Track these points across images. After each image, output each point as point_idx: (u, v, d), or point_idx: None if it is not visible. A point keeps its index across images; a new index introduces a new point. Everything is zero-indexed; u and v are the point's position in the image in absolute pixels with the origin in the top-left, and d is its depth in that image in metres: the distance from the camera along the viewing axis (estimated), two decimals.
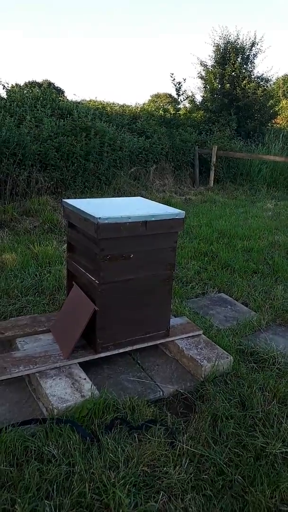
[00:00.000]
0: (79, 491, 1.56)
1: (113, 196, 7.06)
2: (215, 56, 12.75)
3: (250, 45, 12.55)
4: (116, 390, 2.18)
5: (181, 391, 2.26)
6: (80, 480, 1.60)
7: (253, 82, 12.46)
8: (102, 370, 2.37)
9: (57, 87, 18.15)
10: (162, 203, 2.71)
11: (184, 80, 14.65)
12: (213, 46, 12.71)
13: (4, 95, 8.22)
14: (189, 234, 5.33)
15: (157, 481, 1.66)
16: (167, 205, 2.70)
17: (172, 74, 11.15)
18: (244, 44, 12.52)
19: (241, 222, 6.30)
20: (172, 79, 10.82)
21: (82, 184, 7.04)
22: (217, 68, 12.71)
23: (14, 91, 8.61)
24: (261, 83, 12.83)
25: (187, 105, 13.08)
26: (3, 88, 8.40)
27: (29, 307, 3.06)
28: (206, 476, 1.71)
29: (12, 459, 1.69)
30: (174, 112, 11.04)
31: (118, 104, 11.86)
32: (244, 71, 12.58)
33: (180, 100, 11.39)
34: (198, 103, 13.22)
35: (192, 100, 13.13)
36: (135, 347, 2.46)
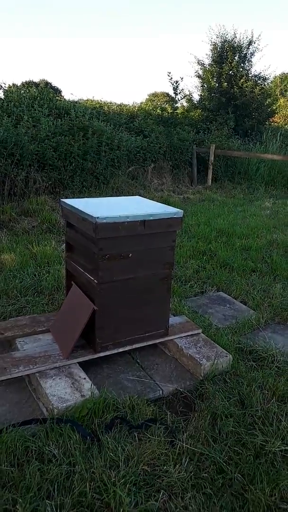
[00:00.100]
0: (79, 491, 1.56)
1: (111, 196, 7.07)
2: (213, 54, 12.75)
3: (247, 43, 12.56)
4: (116, 390, 2.18)
5: (181, 390, 2.26)
6: (81, 480, 1.61)
7: (251, 81, 12.47)
8: (102, 369, 2.38)
9: (54, 86, 18.11)
10: (160, 202, 2.71)
11: (182, 79, 14.62)
12: (210, 44, 12.71)
13: (1, 95, 8.22)
14: (187, 233, 5.33)
15: (157, 480, 1.66)
16: (165, 204, 2.70)
17: (170, 73, 11.11)
18: (241, 43, 12.53)
19: (240, 220, 6.31)
20: (170, 78, 10.82)
21: (80, 183, 7.04)
22: (214, 67, 12.72)
23: (11, 91, 8.60)
24: (259, 81, 12.84)
25: (185, 104, 13.08)
26: (0, 88, 8.39)
27: (29, 307, 3.06)
28: (206, 475, 1.71)
29: (13, 459, 1.69)
30: (171, 111, 11.04)
31: (115, 103, 11.85)
32: (241, 69, 12.59)
33: (178, 99, 11.39)
34: (195, 102, 13.22)
35: (189, 99, 13.13)
36: (134, 346, 2.46)
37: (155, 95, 23.80)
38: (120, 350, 2.42)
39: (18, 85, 12.50)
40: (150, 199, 2.87)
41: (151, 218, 2.29)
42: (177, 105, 11.64)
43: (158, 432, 1.89)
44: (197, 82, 13.70)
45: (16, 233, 4.98)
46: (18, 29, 65.27)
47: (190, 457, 1.79)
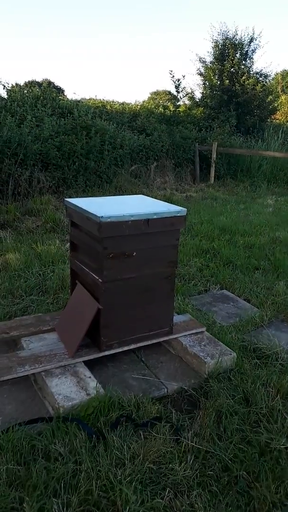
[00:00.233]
0: (86, 489, 1.57)
1: (114, 195, 7.07)
2: (214, 52, 12.74)
3: (248, 40, 12.56)
4: (121, 388, 2.19)
5: (185, 388, 2.27)
6: (87, 478, 1.62)
7: (252, 78, 12.45)
8: (107, 368, 2.39)
9: (57, 86, 18.15)
10: (163, 201, 2.72)
11: (183, 77, 14.65)
12: (212, 42, 12.72)
13: (4, 95, 8.24)
14: (190, 231, 5.33)
15: (163, 478, 1.67)
16: (168, 202, 2.71)
17: (171, 71, 11.17)
18: (243, 40, 12.52)
19: (242, 218, 6.31)
20: (172, 76, 10.82)
21: (84, 183, 7.05)
22: (216, 65, 12.70)
23: (15, 91, 8.62)
24: (260, 78, 12.83)
25: (187, 102, 13.08)
26: (4, 88, 8.42)
27: (33, 307, 3.07)
28: (212, 472, 1.72)
29: (20, 458, 1.71)
30: (173, 109, 11.04)
31: (118, 102, 11.86)
32: (243, 67, 12.57)
33: (180, 97, 11.40)
34: (197, 100, 13.21)
35: (191, 97, 13.13)
36: (139, 344, 2.47)
37: (157, 93, 23.78)
38: (125, 348, 2.43)
39: (21, 84, 12.53)
40: (153, 197, 2.87)
41: (155, 216, 2.30)
42: (179, 103, 11.65)
43: (163, 430, 1.90)
44: (198, 80, 13.75)
45: (21, 233, 5.00)
46: (20, 29, 65.29)
47: (196, 455, 1.80)
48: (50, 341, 2.47)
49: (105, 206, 2.39)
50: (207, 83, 12.94)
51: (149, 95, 24.42)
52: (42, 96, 8.51)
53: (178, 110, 11.34)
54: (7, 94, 8.32)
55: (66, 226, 5.16)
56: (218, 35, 12.60)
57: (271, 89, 13.61)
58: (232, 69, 12.47)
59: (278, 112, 15.18)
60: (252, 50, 12.68)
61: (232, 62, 12.38)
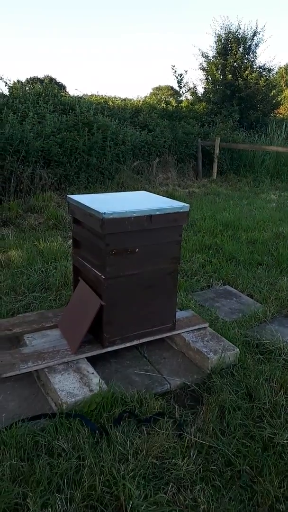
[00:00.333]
0: (89, 484, 1.58)
1: (116, 191, 7.07)
2: (217, 46, 12.66)
3: (251, 34, 12.46)
4: (124, 384, 2.20)
5: (188, 383, 2.27)
6: (90, 473, 1.63)
7: (255, 72, 12.37)
8: (110, 364, 2.39)
9: (59, 82, 18.12)
10: (166, 197, 2.71)
11: (186, 72, 14.57)
12: (215, 36, 12.63)
13: (6, 92, 8.23)
14: (193, 227, 5.32)
15: (166, 473, 1.68)
16: (170, 198, 2.70)
17: (174, 66, 11.11)
18: (246, 34, 12.43)
19: (245, 214, 6.28)
20: (174, 71, 10.80)
21: (86, 179, 7.04)
22: (218, 59, 12.63)
23: (16, 88, 8.61)
24: (263, 73, 12.74)
25: (189, 97, 13.02)
26: (5, 85, 8.40)
27: (36, 303, 3.08)
28: (215, 467, 1.72)
29: (23, 453, 1.72)
30: (176, 104, 10.99)
31: (119, 98, 11.82)
32: (246, 61, 12.49)
33: (182, 92, 11.35)
34: (200, 95, 13.15)
35: (194, 92, 13.07)
36: (141, 341, 2.47)
37: (159, 88, 23.68)
38: (128, 344, 2.43)
39: (23, 81, 12.49)
40: (155, 193, 2.87)
41: (158, 213, 2.29)
42: (181, 98, 11.60)
43: (166, 425, 1.90)
44: (201, 74, 13.67)
45: (23, 230, 5.00)
46: (21, 26, 65.14)
47: (199, 450, 1.80)
48: (53, 338, 2.47)
49: (107, 203, 2.38)
50: (210, 78, 12.87)
51: (151, 91, 24.32)
52: (44, 93, 8.49)
53: (181, 106, 11.29)
54: (9, 91, 8.31)
55: (68, 223, 5.16)
56: (221, 29, 12.52)
57: (274, 84, 13.50)
58: (235, 64, 12.39)
59: (281, 106, 15.08)
60: (255, 44, 12.59)
61: (235, 57, 12.30)
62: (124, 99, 11.74)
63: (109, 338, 2.35)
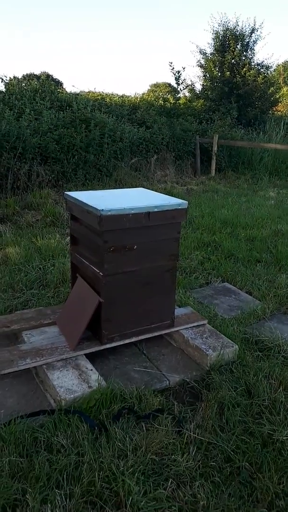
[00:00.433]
0: (88, 480, 1.58)
1: (114, 188, 7.05)
2: (215, 43, 12.62)
3: (249, 31, 12.42)
4: (123, 380, 2.19)
5: (187, 380, 2.27)
6: (90, 469, 1.63)
7: (253, 70, 12.34)
8: (108, 361, 2.39)
9: (56, 79, 18.05)
10: (164, 194, 2.70)
11: (184, 68, 14.52)
12: (212, 33, 12.59)
13: (2, 88, 8.19)
14: (191, 224, 5.32)
15: (165, 469, 1.68)
16: (169, 195, 2.69)
17: (171, 63, 11.00)
18: (244, 31, 12.39)
19: (244, 211, 6.28)
20: (171, 68, 10.70)
21: (83, 176, 7.02)
22: (216, 56, 12.59)
23: (13, 84, 8.57)
24: (261, 70, 12.71)
25: (187, 94, 12.98)
26: (2, 81, 8.36)
27: (34, 300, 3.07)
28: (214, 463, 1.72)
29: (22, 450, 1.71)
30: (174, 101, 10.95)
31: (117, 94, 11.78)
32: (244, 58, 12.46)
33: (180, 89, 11.27)
34: (198, 92, 13.11)
35: (191, 89, 13.03)
36: (140, 337, 2.47)
37: (157, 85, 23.62)
38: (126, 341, 2.42)
39: (19, 78, 12.44)
40: (153, 190, 2.86)
41: (156, 209, 2.28)
42: (179, 95, 11.54)
43: (165, 422, 1.90)
44: (199, 71, 13.66)
45: (20, 227, 4.99)
46: (18, 22, 64.79)
47: (198, 446, 1.80)
48: (51, 335, 2.47)
49: (105, 199, 2.37)
50: (208, 75, 12.83)
51: (149, 88, 24.27)
52: (40, 89, 8.45)
53: (178, 103, 11.25)
54: (5, 87, 8.27)
55: (66, 220, 5.15)
56: (219, 26, 12.48)
57: (272, 81, 13.48)
58: (233, 61, 12.35)
59: (279, 104, 15.07)
60: (253, 41, 12.55)
61: (233, 54, 12.26)
62: (122, 96, 11.70)
63: (108, 335, 2.35)
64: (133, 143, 8.35)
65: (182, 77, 10.95)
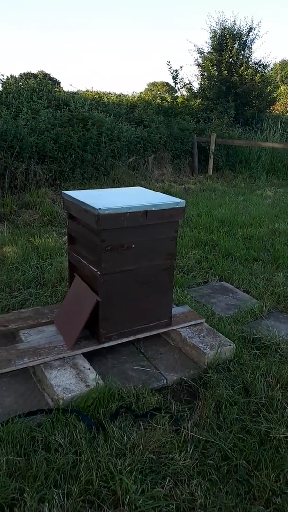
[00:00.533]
0: (86, 479, 1.58)
1: (112, 187, 7.04)
2: (212, 42, 12.62)
3: (247, 30, 12.43)
4: (121, 379, 2.19)
5: (185, 378, 2.27)
6: (87, 468, 1.63)
7: (251, 68, 12.35)
8: (106, 360, 2.39)
9: (53, 78, 18.01)
10: (162, 193, 2.70)
11: (181, 67, 14.49)
12: (210, 32, 12.59)
13: (0, 87, 8.16)
14: (189, 223, 5.32)
15: (163, 467, 1.68)
16: (166, 194, 2.69)
17: (169, 61, 11.06)
18: (241, 30, 12.39)
19: (241, 210, 6.29)
20: (169, 67, 10.70)
21: (81, 175, 7.01)
22: (214, 55, 12.59)
23: (10, 83, 8.55)
24: (259, 69, 12.72)
25: (185, 93, 12.99)
26: None
27: (32, 300, 3.07)
28: (211, 462, 1.73)
29: (20, 449, 1.71)
30: (171, 100, 10.95)
31: (114, 93, 11.77)
32: (241, 57, 12.46)
33: (177, 88, 11.28)
34: (195, 91, 13.11)
35: (189, 88, 13.04)
36: (138, 336, 2.47)
37: (154, 84, 23.62)
38: (124, 340, 2.43)
39: (17, 77, 12.41)
40: (151, 189, 2.86)
41: (153, 208, 2.28)
42: (177, 94, 11.55)
43: (163, 420, 1.90)
44: (196, 70, 13.64)
45: (18, 226, 4.98)
46: (15, 20, 64.61)
47: (195, 445, 1.80)
48: (49, 334, 2.47)
49: (103, 198, 2.37)
50: (205, 74, 12.83)
51: (146, 87, 24.26)
52: (37, 88, 8.43)
53: (176, 102, 11.25)
54: (2, 86, 8.25)
55: (63, 219, 5.14)
56: (216, 24, 12.48)
57: (270, 80, 13.50)
58: (230, 60, 12.36)
59: (277, 102, 15.08)
60: (250, 40, 12.56)
61: (231, 52, 12.26)
62: (119, 95, 11.68)
63: (106, 334, 2.35)
64: (131, 142, 8.35)
65: (179, 76, 10.97)
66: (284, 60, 20.86)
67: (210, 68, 12.63)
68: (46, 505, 1.48)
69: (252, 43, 12.62)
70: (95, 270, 2.29)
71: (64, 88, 11.83)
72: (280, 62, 19.73)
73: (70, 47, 62.78)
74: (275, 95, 13.83)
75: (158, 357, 2.45)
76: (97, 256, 2.26)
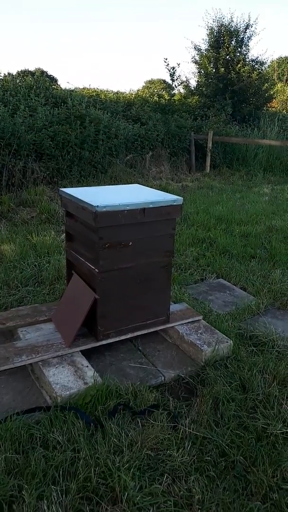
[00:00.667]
0: (84, 476, 1.59)
1: (109, 185, 7.03)
2: (209, 39, 12.59)
3: (244, 27, 12.40)
4: (118, 377, 2.20)
5: (182, 375, 2.28)
6: (86, 465, 1.63)
7: (248, 66, 12.33)
8: (104, 357, 2.40)
9: (50, 75, 17.94)
10: (159, 190, 2.70)
11: (178, 65, 14.50)
12: (207, 29, 12.55)
13: None
14: (186, 221, 5.32)
15: (161, 464, 1.69)
16: (164, 192, 2.69)
17: (166, 59, 10.96)
18: (238, 27, 12.37)
19: (238, 207, 6.30)
20: (166, 64, 10.68)
21: (78, 173, 7.00)
22: (211, 52, 12.56)
23: (7, 80, 8.51)
24: (256, 66, 12.71)
25: (182, 90, 12.95)
26: None
27: (30, 297, 3.07)
28: (209, 458, 1.74)
29: (18, 446, 1.72)
30: (168, 98, 10.92)
31: (112, 91, 11.75)
32: (238, 54, 12.44)
33: (175, 85, 11.25)
34: (192, 88, 13.09)
35: (186, 85, 13.00)
36: (136, 334, 2.48)
37: (151, 82, 23.55)
38: (122, 338, 2.43)
39: (14, 74, 12.35)
40: (148, 187, 2.86)
41: (151, 206, 2.29)
42: (174, 91, 11.52)
43: (161, 417, 1.91)
44: (194, 68, 13.58)
45: (15, 224, 4.97)
46: (12, 18, 64.27)
47: (193, 441, 1.81)
48: (47, 331, 2.47)
49: (100, 196, 2.37)
50: (202, 71, 12.80)
51: (144, 84, 24.18)
52: (35, 86, 8.40)
53: (173, 99, 11.23)
54: None
55: (61, 217, 5.14)
56: (213, 22, 12.44)
57: (267, 77, 13.48)
58: (227, 57, 12.33)
59: (274, 100, 15.08)
60: (247, 37, 12.53)
61: (228, 50, 12.24)
62: (117, 92, 11.67)
63: (103, 331, 2.35)
64: (128, 140, 8.33)
65: (177, 74, 10.94)
66: (281, 57, 20.86)
67: (207, 65, 12.61)
68: (45, 502, 1.49)
69: (249, 40, 12.61)
70: (93, 267, 2.29)
71: (61, 86, 11.79)
72: (277, 59, 19.73)
73: (67, 44, 62.52)
74: (272, 92, 13.82)
75: (156, 354, 2.46)
76: (94, 254, 2.26)
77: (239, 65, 12.17)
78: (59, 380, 2.05)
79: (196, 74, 13.11)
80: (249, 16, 16.79)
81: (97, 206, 2.11)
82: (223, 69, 12.21)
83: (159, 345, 2.57)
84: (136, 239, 2.31)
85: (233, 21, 12.39)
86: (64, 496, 1.52)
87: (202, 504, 1.54)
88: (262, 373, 2.29)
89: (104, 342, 2.37)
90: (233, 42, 12.36)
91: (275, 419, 1.94)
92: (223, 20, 12.39)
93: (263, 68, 13.08)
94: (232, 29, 12.31)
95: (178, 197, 2.41)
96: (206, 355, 2.36)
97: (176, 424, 1.90)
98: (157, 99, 11.04)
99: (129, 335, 2.46)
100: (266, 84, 13.04)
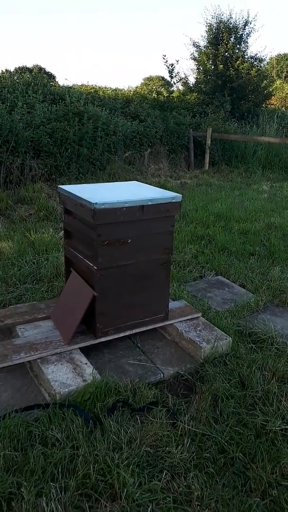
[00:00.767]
0: (83, 473, 1.59)
1: (108, 182, 7.02)
2: (208, 36, 12.56)
3: (243, 24, 12.37)
4: (117, 374, 2.20)
5: (181, 372, 2.28)
6: (85, 462, 1.63)
7: (247, 62, 12.30)
8: (103, 354, 2.39)
9: (48, 72, 17.87)
10: (158, 188, 2.70)
11: (177, 61, 14.44)
12: (206, 26, 12.52)
13: None
14: (185, 218, 5.32)
15: (160, 461, 1.69)
16: (162, 189, 2.68)
17: (165, 56, 10.98)
18: (237, 24, 12.34)
19: (237, 204, 6.29)
20: (165, 61, 10.64)
21: (76, 170, 6.98)
22: (210, 49, 12.53)
23: (4, 77, 8.48)
24: (255, 63, 12.68)
25: (181, 87, 12.93)
26: None
27: (28, 295, 3.06)
28: (208, 455, 1.74)
29: (17, 444, 1.71)
30: (167, 94, 10.89)
31: (110, 88, 11.71)
32: (237, 51, 12.41)
33: (173, 82, 11.22)
34: (191, 85, 13.06)
35: (185, 82, 12.97)
36: (134, 331, 2.48)
37: (150, 79, 23.50)
38: (121, 335, 2.43)
39: (11, 71, 12.31)
40: (147, 184, 2.85)
41: (150, 203, 2.28)
42: (172, 88, 11.49)
43: (160, 414, 1.91)
44: (192, 64, 13.59)
45: (13, 221, 4.96)
46: (10, 14, 63.97)
47: (192, 438, 1.81)
48: (45, 329, 2.47)
49: (99, 193, 2.36)
50: (201, 68, 12.78)
51: (142, 81, 24.14)
52: (33, 82, 8.37)
53: (172, 96, 11.20)
54: None
55: (59, 214, 5.12)
56: (212, 18, 12.41)
57: (266, 74, 13.46)
58: (226, 54, 12.31)
59: (273, 97, 15.07)
60: (246, 34, 12.51)
61: (226, 46, 12.21)
62: (115, 89, 11.63)
63: (102, 328, 2.35)
64: (127, 137, 8.31)
65: (175, 70, 10.91)
66: (280, 54, 20.83)
67: (206, 62, 12.58)
68: (44, 499, 1.49)
69: (248, 37, 12.59)
70: (92, 265, 2.29)
71: (59, 82, 11.76)
72: (276, 56, 19.70)
73: (65, 41, 62.31)
74: (270, 89, 13.80)
75: (155, 352, 2.46)
76: (93, 251, 2.25)
77: (238, 62, 12.14)
78: (58, 377, 2.04)
79: (195, 71, 13.10)
80: (248, 12, 16.95)
81: (96, 203, 2.10)
82: (222, 66, 12.18)
83: (158, 342, 2.56)
84: (135, 236, 2.31)
85: (232, 17, 12.39)
86: (63, 493, 1.52)
87: (201, 500, 1.54)
88: (261, 370, 2.29)
89: (102, 340, 2.37)
90: (232, 39, 12.33)
91: (274, 415, 1.95)
92: (222, 17, 12.38)
93: (262, 65, 13.06)
94: (231, 25, 12.28)
95: (177, 194, 2.41)
96: (205, 352, 2.36)
97: (175, 421, 1.90)
98: (156, 96, 11.01)
99: (127, 333, 2.45)
100: (265, 81, 13.02)
